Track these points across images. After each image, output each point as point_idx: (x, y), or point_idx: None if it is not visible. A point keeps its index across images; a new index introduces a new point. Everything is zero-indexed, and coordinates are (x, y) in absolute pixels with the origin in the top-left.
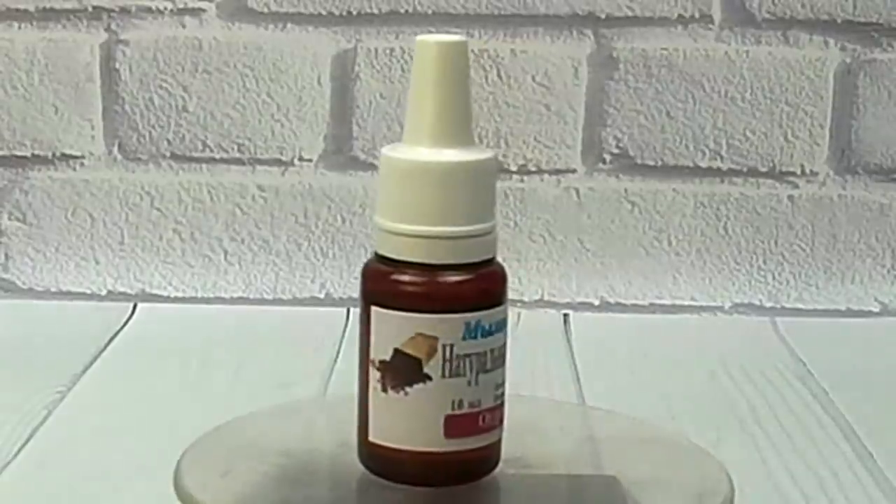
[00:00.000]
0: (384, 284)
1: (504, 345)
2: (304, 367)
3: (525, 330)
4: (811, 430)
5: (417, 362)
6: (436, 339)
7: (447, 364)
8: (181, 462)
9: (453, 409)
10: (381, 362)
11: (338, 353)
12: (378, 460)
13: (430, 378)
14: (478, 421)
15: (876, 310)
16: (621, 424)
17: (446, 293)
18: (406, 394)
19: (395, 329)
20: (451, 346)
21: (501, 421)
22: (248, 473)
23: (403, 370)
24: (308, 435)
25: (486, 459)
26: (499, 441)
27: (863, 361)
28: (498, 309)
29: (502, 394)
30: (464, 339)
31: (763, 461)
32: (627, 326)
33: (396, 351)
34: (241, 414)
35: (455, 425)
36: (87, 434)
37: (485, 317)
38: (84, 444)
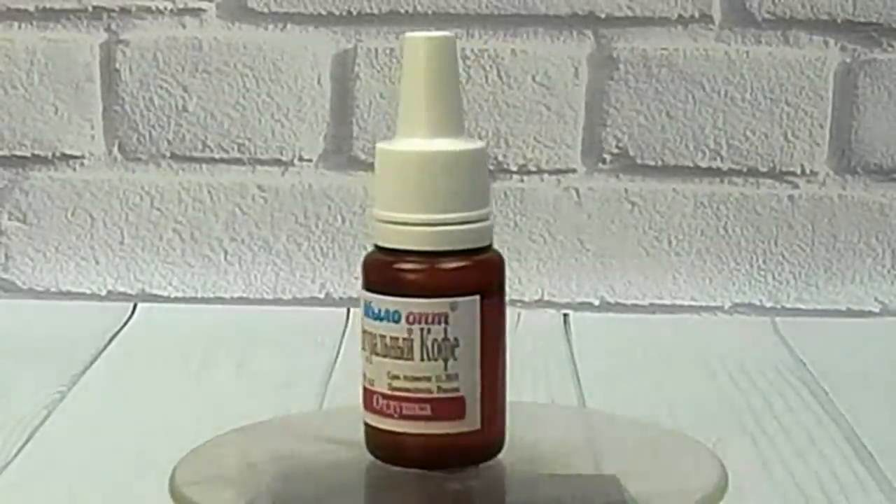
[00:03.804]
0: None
1: (407, 340)
2: (304, 367)
3: (525, 330)
4: (811, 430)
5: None
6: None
7: (362, 335)
8: (177, 469)
9: (364, 379)
10: None
11: (338, 353)
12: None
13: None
14: (373, 400)
15: (876, 310)
16: (621, 424)
17: (368, 270)
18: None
19: None
20: (362, 319)
21: (413, 417)
22: (245, 476)
23: None
24: (308, 438)
25: (400, 446)
26: (416, 437)
27: (863, 361)
28: (393, 299)
29: (413, 389)
30: (365, 315)
31: (763, 461)
32: (627, 326)
33: None
34: (241, 413)
35: (365, 397)
36: (87, 434)
37: (376, 301)
38: (84, 444)
